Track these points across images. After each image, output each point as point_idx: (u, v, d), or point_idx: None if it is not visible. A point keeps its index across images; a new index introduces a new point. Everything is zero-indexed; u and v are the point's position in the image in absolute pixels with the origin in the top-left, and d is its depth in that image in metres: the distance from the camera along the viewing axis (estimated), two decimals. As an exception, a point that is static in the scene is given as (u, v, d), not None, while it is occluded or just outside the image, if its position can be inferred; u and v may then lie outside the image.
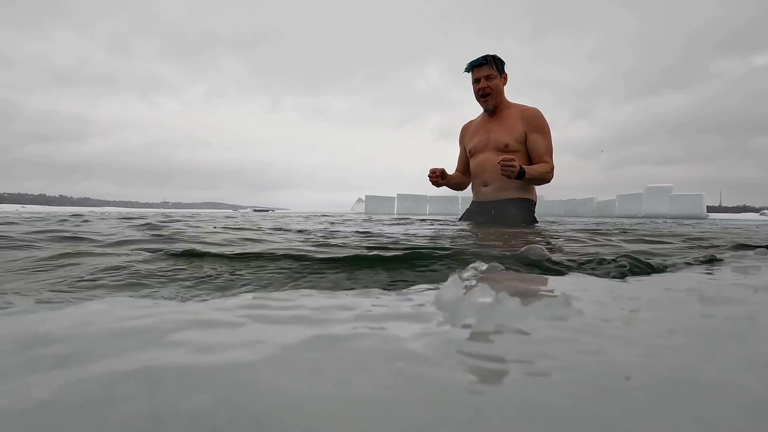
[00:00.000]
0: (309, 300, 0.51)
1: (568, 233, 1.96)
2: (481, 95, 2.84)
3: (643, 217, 14.40)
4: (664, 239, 1.74)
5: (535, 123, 2.79)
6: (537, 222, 2.98)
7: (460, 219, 3.33)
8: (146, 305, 0.43)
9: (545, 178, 2.74)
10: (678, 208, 15.54)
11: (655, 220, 9.22)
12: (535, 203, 2.96)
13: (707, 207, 16.21)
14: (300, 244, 1.43)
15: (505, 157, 2.45)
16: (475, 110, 3.03)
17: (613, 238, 1.74)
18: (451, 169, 3.16)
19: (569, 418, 0.23)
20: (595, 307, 0.45)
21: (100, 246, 1.39)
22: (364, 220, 3.79)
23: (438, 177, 2.83)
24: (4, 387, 0.25)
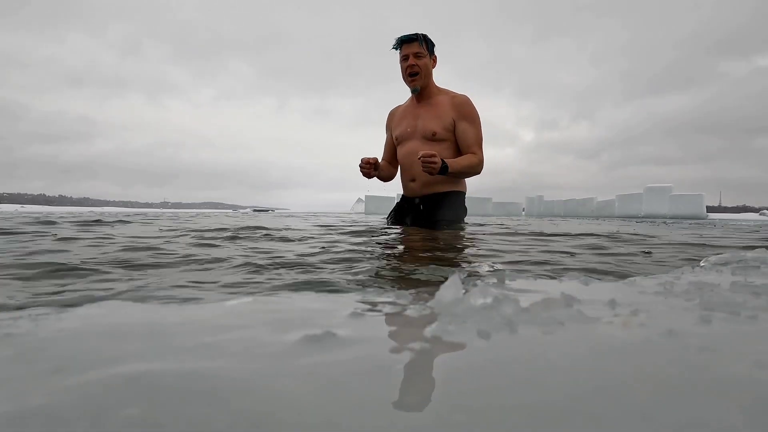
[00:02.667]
0: (308, 302, 0.51)
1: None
2: (409, 74, 2.63)
3: (642, 217, 14.41)
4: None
5: (464, 111, 2.62)
6: (466, 215, 2.83)
7: (388, 217, 3.09)
8: (144, 308, 0.43)
9: (473, 171, 2.57)
10: (678, 208, 15.56)
11: (654, 220, 9.22)
12: (465, 194, 2.78)
13: (707, 207, 16.23)
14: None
15: (426, 152, 2.29)
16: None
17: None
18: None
19: (568, 420, 0.23)
20: (595, 308, 0.44)
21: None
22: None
23: (371, 168, 2.55)
24: (4, 393, 0.25)
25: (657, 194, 16.12)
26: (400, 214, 2.91)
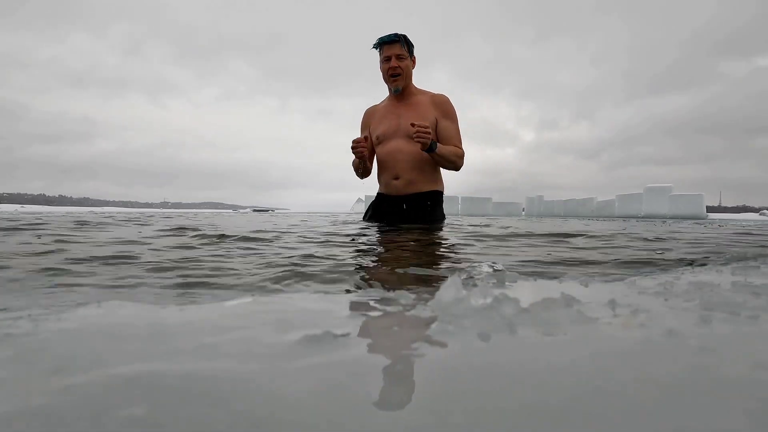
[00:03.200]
0: (308, 302, 0.51)
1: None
2: (391, 75, 2.67)
3: (642, 217, 14.42)
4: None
5: (446, 109, 2.68)
6: (445, 216, 2.90)
7: (365, 216, 3.04)
8: (144, 309, 0.43)
9: (456, 161, 2.60)
10: (677, 208, 15.56)
11: (654, 220, 9.22)
12: (443, 193, 2.82)
13: (707, 207, 16.22)
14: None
15: (422, 123, 2.31)
16: (381, 93, 2.87)
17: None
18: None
19: (568, 421, 0.23)
20: (594, 309, 0.44)
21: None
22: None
23: (365, 144, 2.49)
24: (4, 393, 0.25)
25: (657, 194, 16.12)
26: (379, 213, 2.88)
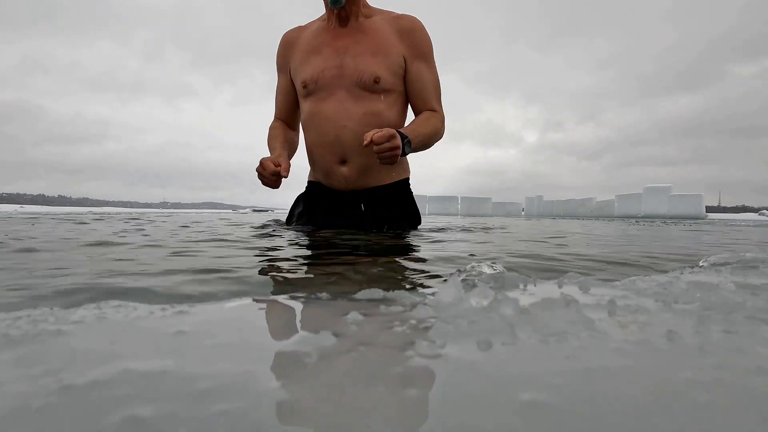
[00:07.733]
0: (307, 303, 0.51)
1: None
2: None
3: (642, 217, 14.43)
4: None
5: (417, 41, 1.64)
6: (420, 216, 1.91)
7: (290, 220, 1.92)
8: (144, 309, 0.43)
9: (436, 139, 1.66)
10: (677, 208, 15.58)
11: (653, 220, 9.23)
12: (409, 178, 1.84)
13: (706, 207, 16.25)
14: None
15: (377, 136, 1.36)
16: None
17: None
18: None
19: (566, 422, 0.23)
20: (594, 309, 0.45)
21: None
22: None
23: (276, 177, 1.53)
24: (3, 393, 0.25)
25: (656, 194, 16.13)
26: (320, 214, 1.79)
